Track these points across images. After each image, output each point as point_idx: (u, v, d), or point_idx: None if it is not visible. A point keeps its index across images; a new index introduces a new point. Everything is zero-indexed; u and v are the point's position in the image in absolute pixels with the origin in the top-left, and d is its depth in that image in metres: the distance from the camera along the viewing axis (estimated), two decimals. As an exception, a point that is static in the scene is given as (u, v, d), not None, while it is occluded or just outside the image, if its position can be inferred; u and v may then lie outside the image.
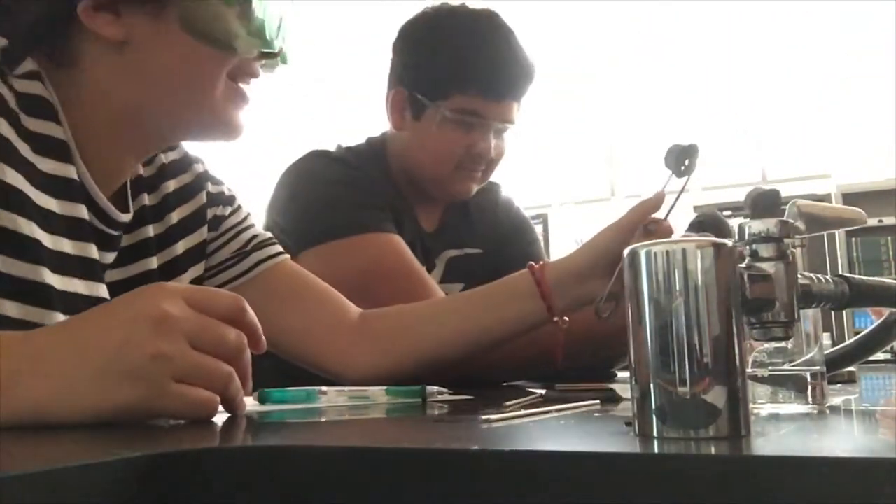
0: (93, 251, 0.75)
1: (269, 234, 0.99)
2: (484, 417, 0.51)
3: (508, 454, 0.36)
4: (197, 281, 0.90)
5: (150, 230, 0.84)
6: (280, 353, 0.96)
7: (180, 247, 0.88)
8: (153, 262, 0.84)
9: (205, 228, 0.91)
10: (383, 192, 1.26)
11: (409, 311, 1.03)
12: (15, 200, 0.68)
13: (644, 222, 0.90)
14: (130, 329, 0.51)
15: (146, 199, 0.85)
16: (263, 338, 0.59)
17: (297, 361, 0.99)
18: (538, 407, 0.60)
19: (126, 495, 0.35)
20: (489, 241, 1.40)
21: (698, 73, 5.24)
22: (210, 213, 0.92)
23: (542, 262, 0.95)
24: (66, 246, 0.72)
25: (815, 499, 0.31)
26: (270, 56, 0.79)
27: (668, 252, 0.41)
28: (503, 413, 0.54)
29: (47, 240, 0.70)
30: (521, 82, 1.25)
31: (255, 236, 0.96)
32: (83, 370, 0.50)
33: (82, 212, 0.74)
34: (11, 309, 0.68)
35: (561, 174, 5.87)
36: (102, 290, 0.77)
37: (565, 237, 5.93)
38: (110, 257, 0.80)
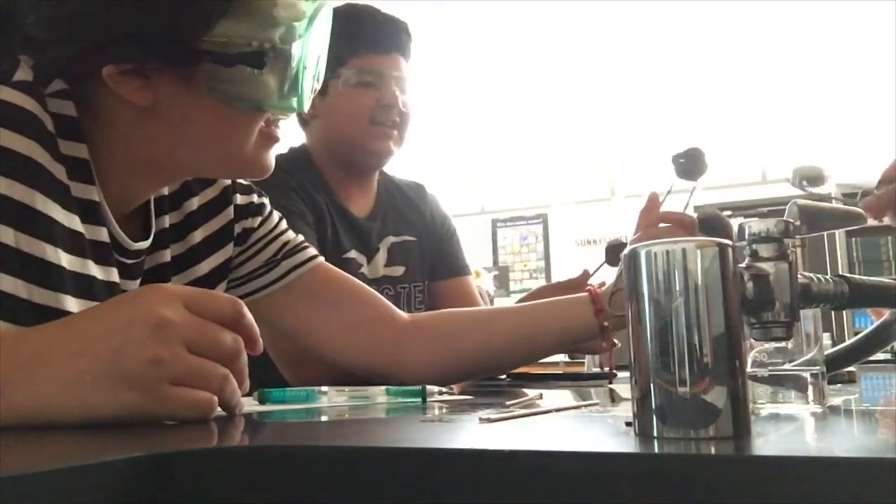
0: (114, 275, 0.74)
1: (300, 239, 0.97)
2: (484, 417, 0.51)
3: (508, 454, 0.36)
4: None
5: (167, 254, 0.82)
6: (324, 357, 0.98)
7: (204, 266, 0.85)
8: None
9: (230, 245, 0.88)
10: (306, 191, 1.32)
11: (459, 316, 1.05)
12: (43, 227, 0.66)
13: (655, 222, 0.97)
14: (127, 333, 0.51)
15: (167, 221, 0.83)
16: (261, 340, 0.59)
17: (343, 365, 0.99)
18: (538, 407, 0.60)
19: (126, 495, 0.35)
20: (420, 231, 1.50)
21: (698, 73, 5.24)
22: (238, 228, 0.90)
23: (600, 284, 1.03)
24: (93, 269, 0.71)
25: (815, 499, 0.31)
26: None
27: (668, 252, 0.41)
28: (503, 413, 0.54)
29: (75, 264, 0.69)
30: (402, 36, 1.39)
31: (286, 243, 0.95)
32: (80, 373, 0.50)
33: (105, 235, 0.73)
34: None
35: (561, 174, 5.87)
36: None
37: (565, 237, 5.94)
38: (133, 285, 0.78)
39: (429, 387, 0.74)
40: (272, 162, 0.78)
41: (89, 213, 0.71)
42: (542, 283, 5.97)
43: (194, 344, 0.53)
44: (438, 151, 5.40)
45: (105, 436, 0.48)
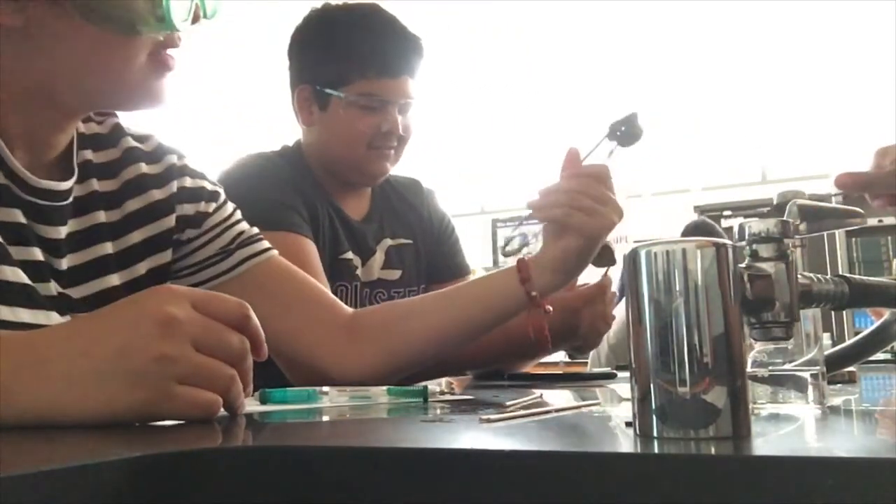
0: (16, 215, 0.73)
1: (255, 230, 0.98)
2: (484, 417, 0.51)
3: (508, 454, 0.36)
4: (158, 272, 0.88)
5: (102, 216, 0.83)
6: (273, 352, 0.97)
7: (136, 236, 0.86)
8: (108, 247, 0.82)
9: (170, 219, 0.89)
10: (300, 189, 1.32)
11: (396, 307, 1.06)
12: None
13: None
14: (134, 331, 0.51)
15: (95, 184, 0.83)
16: (265, 345, 0.59)
17: (288, 362, 0.99)
18: (538, 407, 0.60)
19: (126, 495, 0.35)
20: (416, 232, 1.48)
21: (698, 74, 5.24)
22: (191, 209, 0.91)
23: (524, 256, 1.04)
24: (14, 252, 0.71)
25: (815, 499, 0.31)
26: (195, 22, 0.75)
27: (668, 252, 0.41)
28: (503, 413, 0.54)
29: None
30: (412, 57, 1.35)
31: (241, 233, 0.95)
32: (86, 372, 0.50)
33: (15, 216, 0.72)
34: None
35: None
36: (37, 254, 0.75)
37: (565, 237, 5.93)
38: (54, 231, 0.77)
39: (430, 387, 0.74)
40: (165, 92, 0.77)
41: None
42: (542, 283, 5.96)
43: (201, 343, 0.53)
44: (438, 151, 5.40)
45: (105, 436, 0.48)
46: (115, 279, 0.82)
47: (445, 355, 1.04)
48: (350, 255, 1.36)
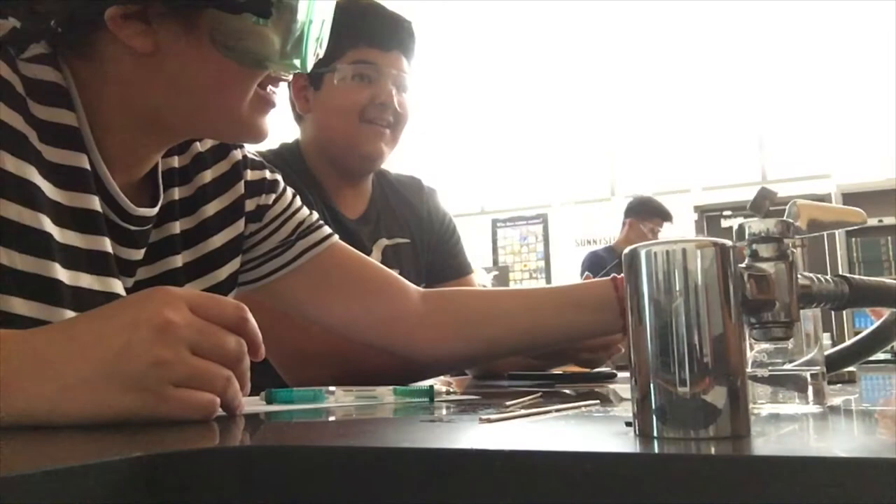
0: (105, 244, 0.73)
1: (315, 217, 0.96)
2: (484, 417, 0.51)
3: (508, 454, 0.36)
4: (234, 275, 0.87)
5: (177, 226, 0.81)
6: (344, 337, 0.98)
7: (216, 241, 0.84)
8: (177, 261, 0.81)
9: (242, 221, 0.88)
10: (296, 188, 1.30)
11: (479, 297, 1.06)
12: (20, 191, 0.65)
13: None
14: (130, 335, 0.51)
15: (176, 194, 0.82)
16: (263, 347, 0.59)
17: (363, 344, 0.99)
18: (538, 407, 0.60)
19: (126, 495, 0.35)
20: (414, 231, 1.47)
21: (698, 74, 5.24)
22: (252, 204, 0.89)
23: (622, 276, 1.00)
24: (74, 239, 0.70)
25: (815, 499, 0.31)
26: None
27: (668, 252, 0.41)
28: (503, 413, 0.54)
29: (56, 233, 0.68)
30: (404, 35, 1.34)
31: (301, 222, 0.94)
32: (83, 375, 0.51)
33: (94, 203, 0.72)
34: (20, 306, 0.66)
35: (561, 174, 5.87)
36: (117, 286, 0.74)
37: (565, 237, 5.94)
38: (136, 254, 0.77)
39: (436, 386, 0.74)
40: (267, 127, 0.77)
41: (74, 181, 0.70)
42: (542, 283, 5.96)
43: (198, 346, 0.53)
44: (438, 151, 5.39)
45: (105, 436, 0.48)
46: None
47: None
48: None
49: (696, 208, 5.16)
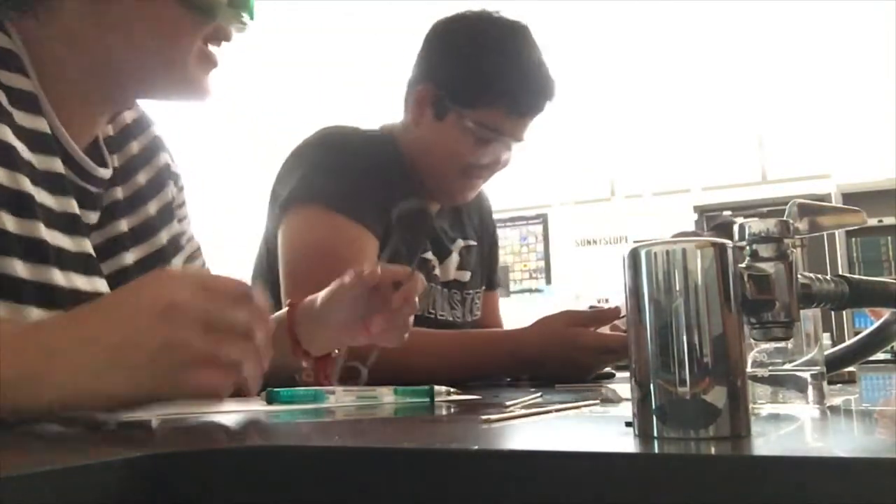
0: (73, 206, 0.73)
1: (196, 245, 0.95)
2: (484, 417, 0.51)
3: (508, 454, 0.36)
4: (174, 239, 0.88)
5: (119, 192, 0.82)
6: None
7: (152, 207, 0.85)
8: (123, 225, 0.82)
9: (171, 187, 0.89)
10: (391, 179, 1.26)
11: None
12: (5, 154, 0.66)
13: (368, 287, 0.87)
14: (135, 322, 0.51)
15: (116, 161, 0.83)
16: (270, 318, 0.58)
17: None
18: (538, 407, 0.60)
19: (126, 495, 0.35)
20: (479, 234, 1.46)
21: (698, 74, 5.24)
22: (170, 180, 0.90)
23: (294, 302, 0.94)
24: (48, 200, 0.70)
25: (815, 499, 0.31)
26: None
27: (668, 252, 0.41)
28: (503, 413, 0.54)
29: (35, 194, 0.69)
30: (544, 101, 1.29)
31: (183, 233, 0.92)
32: (92, 364, 0.51)
33: (58, 166, 0.72)
34: (18, 267, 0.66)
35: (561, 174, 5.87)
36: (87, 246, 0.74)
37: (565, 237, 5.94)
38: (93, 217, 0.78)
39: (436, 387, 0.74)
40: (210, 86, 0.77)
41: (39, 143, 0.71)
42: (541, 283, 5.96)
43: (207, 323, 0.52)
44: (438, 151, 5.39)
45: (105, 436, 0.48)
46: (130, 257, 0.82)
47: None
48: (429, 255, 1.32)
49: (696, 208, 5.15)
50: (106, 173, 0.78)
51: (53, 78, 0.72)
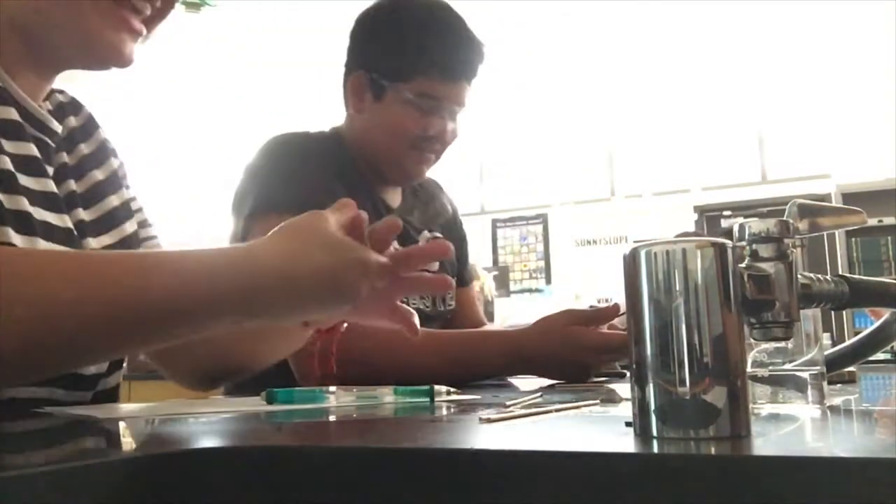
0: (33, 150, 0.77)
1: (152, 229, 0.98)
2: (484, 417, 0.51)
3: (508, 454, 0.36)
4: (127, 203, 0.91)
5: (66, 157, 0.85)
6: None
7: (99, 174, 0.88)
8: (73, 185, 0.84)
9: (113, 159, 0.92)
10: (342, 174, 1.29)
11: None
12: None
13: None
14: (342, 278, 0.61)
15: (60, 129, 0.85)
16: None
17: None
18: (538, 407, 0.60)
19: (126, 495, 0.35)
20: (444, 228, 1.48)
21: (698, 73, 5.24)
22: (112, 156, 0.93)
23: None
24: (8, 146, 0.74)
25: (815, 499, 0.31)
26: None
27: (668, 252, 0.41)
28: (503, 413, 0.54)
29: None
30: (476, 62, 1.34)
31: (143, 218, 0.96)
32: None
33: (14, 115, 0.76)
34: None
35: (561, 174, 5.87)
36: (51, 185, 0.78)
37: (565, 237, 5.94)
38: (49, 170, 0.80)
39: (436, 387, 0.74)
40: (125, 49, 0.78)
41: None
42: (541, 283, 5.97)
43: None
44: (438, 151, 5.39)
45: (105, 436, 0.48)
46: (84, 215, 0.84)
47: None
48: (396, 246, 1.32)
49: (696, 208, 5.16)
50: (58, 127, 0.82)
51: None
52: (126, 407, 0.74)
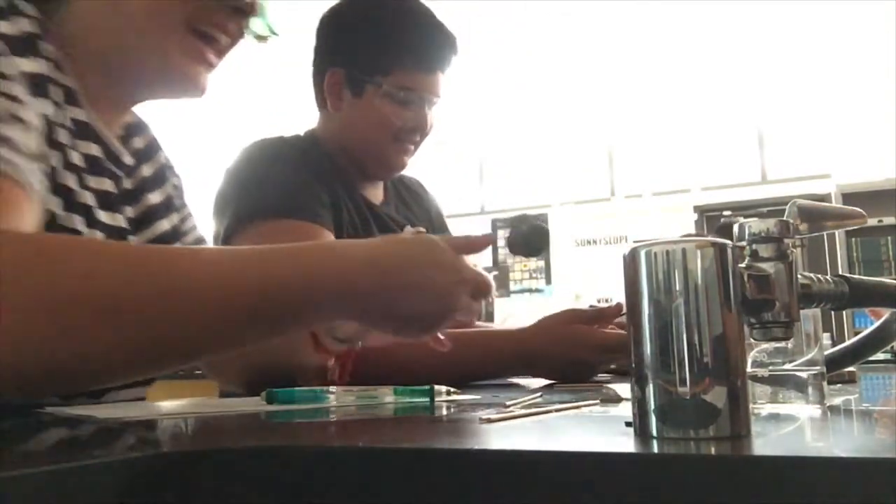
0: (109, 185, 0.80)
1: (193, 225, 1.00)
2: (484, 417, 0.51)
3: (508, 454, 0.36)
4: (175, 228, 0.93)
5: (129, 183, 0.86)
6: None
7: (154, 197, 0.90)
8: (129, 212, 0.86)
9: (170, 184, 0.93)
10: (320, 173, 1.30)
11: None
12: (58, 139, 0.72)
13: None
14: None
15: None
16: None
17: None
18: (538, 407, 0.60)
19: (126, 495, 0.35)
20: (423, 221, 1.49)
21: (698, 73, 5.24)
22: (171, 176, 0.95)
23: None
24: (91, 182, 0.76)
25: (815, 499, 0.31)
26: (241, 13, 0.78)
27: (668, 252, 0.41)
28: (503, 413, 0.54)
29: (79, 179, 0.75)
30: (449, 54, 1.35)
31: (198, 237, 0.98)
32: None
33: (95, 150, 0.78)
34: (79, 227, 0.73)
35: (561, 174, 5.87)
36: (122, 220, 0.81)
37: (565, 237, 5.94)
38: (121, 206, 0.84)
39: (436, 387, 0.74)
40: (201, 80, 0.79)
41: (83, 133, 0.76)
42: (541, 283, 5.96)
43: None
44: (438, 151, 5.39)
45: (105, 436, 0.48)
46: (133, 239, 0.86)
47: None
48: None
49: (696, 208, 5.15)
50: (130, 160, 0.85)
51: (78, 68, 0.76)
52: (126, 407, 0.74)
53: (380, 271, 0.61)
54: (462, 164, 5.94)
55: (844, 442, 0.44)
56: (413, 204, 1.50)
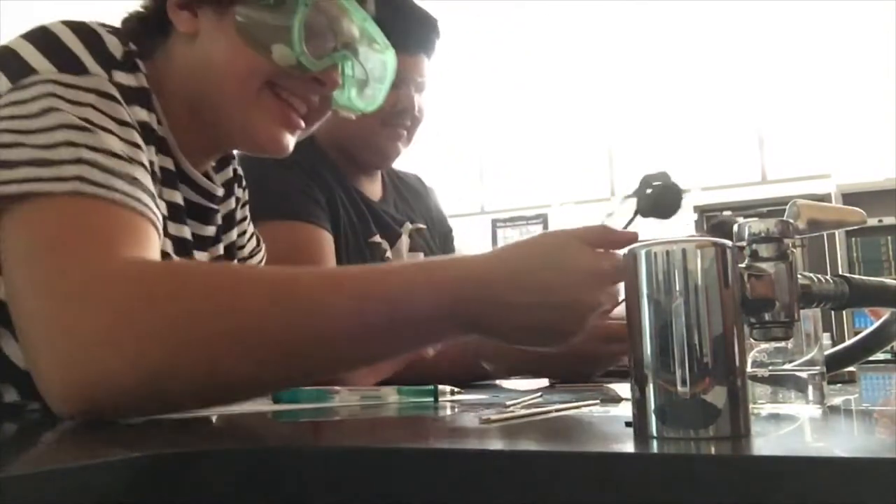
0: (186, 232, 0.81)
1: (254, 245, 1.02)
2: (484, 417, 0.51)
3: (508, 454, 0.36)
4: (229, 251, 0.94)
5: (218, 217, 0.89)
6: None
7: (234, 234, 0.92)
8: (219, 249, 0.88)
9: (234, 231, 0.94)
10: (316, 172, 1.29)
11: None
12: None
13: None
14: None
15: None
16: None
17: None
18: (538, 407, 0.60)
19: (126, 495, 0.35)
20: (427, 220, 1.48)
21: (698, 73, 5.24)
22: (240, 214, 0.96)
23: None
24: (171, 228, 0.77)
25: (815, 499, 0.31)
26: (320, 84, 0.79)
27: (668, 252, 0.41)
28: (504, 413, 0.54)
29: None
30: (431, 35, 1.35)
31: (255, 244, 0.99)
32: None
33: (178, 198, 0.79)
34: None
35: (561, 174, 5.87)
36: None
37: (565, 237, 5.93)
38: (211, 230, 0.86)
39: (440, 386, 0.75)
40: (281, 139, 0.80)
41: (165, 178, 0.77)
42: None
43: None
44: (439, 151, 5.39)
45: (105, 436, 0.48)
46: None
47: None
48: (378, 238, 1.33)
49: (696, 208, 5.15)
50: (220, 191, 0.87)
51: (173, 118, 0.78)
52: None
53: (485, 285, 0.60)
54: (462, 164, 5.94)
55: (844, 442, 0.44)
56: (413, 201, 1.49)
